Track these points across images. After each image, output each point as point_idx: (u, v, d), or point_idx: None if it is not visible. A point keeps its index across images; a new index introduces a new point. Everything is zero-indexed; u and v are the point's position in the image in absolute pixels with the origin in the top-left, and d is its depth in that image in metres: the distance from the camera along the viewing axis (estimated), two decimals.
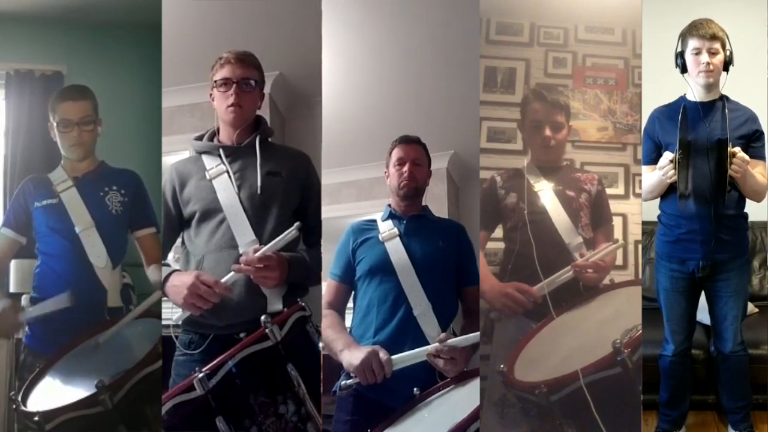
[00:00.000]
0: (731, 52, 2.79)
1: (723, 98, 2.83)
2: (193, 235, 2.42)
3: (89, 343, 2.51)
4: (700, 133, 2.75)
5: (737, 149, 2.69)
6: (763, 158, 2.81)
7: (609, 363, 2.13)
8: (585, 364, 2.15)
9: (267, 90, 2.53)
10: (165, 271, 2.37)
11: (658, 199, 2.95)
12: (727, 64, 2.79)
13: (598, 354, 2.16)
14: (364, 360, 2.28)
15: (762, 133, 2.84)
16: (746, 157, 2.70)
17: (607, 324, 2.37)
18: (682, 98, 2.89)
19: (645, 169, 2.86)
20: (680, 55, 2.85)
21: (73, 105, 2.66)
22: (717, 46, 2.76)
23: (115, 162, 2.82)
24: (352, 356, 2.32)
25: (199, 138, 2.48)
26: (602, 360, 2.14)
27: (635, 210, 2.82)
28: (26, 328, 2.70)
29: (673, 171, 2.71)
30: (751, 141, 2.80)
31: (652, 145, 2.85)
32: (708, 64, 2.75)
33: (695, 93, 2.84)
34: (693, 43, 2.78)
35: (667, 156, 2.74)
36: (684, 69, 2.86)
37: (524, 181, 2.65)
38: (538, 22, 2.97)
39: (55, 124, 2.67)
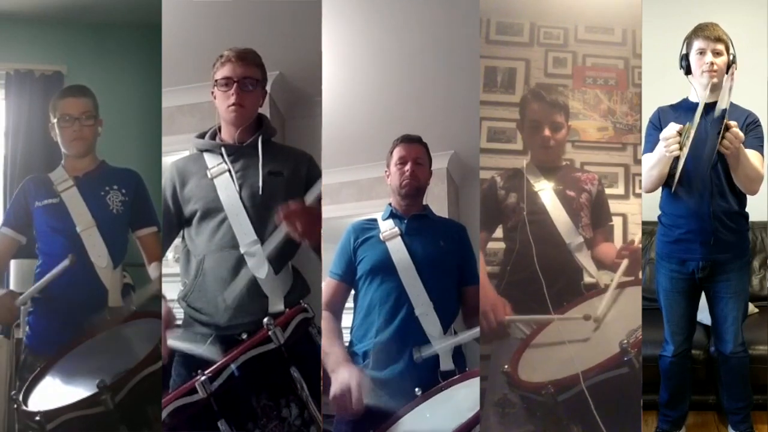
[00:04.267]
0: (734, 56, 2.80)
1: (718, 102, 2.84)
2: (193, 234, 2.41)
3: (92, 342, 2.52)
4: (700, 132, 2.74)
5: (733, 123, 2.63)
6: (757, 149, 2.79)
7: (616, 363, 2.13)
8: (590, 364, 2.15)
9: (267, 89, 2.52)
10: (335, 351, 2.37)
11: (658, 199, 2.95)
12: (729, 68, 2.80)
13: (603, 354, 2.17)
14: (338, 397, 2.27)
15: (758, 126, 2.83)
16: (741, 133, 2.63)
17: (608, 324, 2.37)
18: (685, 100, 2.90)
19: (646, 157, 2.81)
20: (685, 57, 2.86)
21: (74, 101, 2.67)
22: (721, 47, 2.77)
23: (116, 162, 2.82)
24: (333, 384, 2.30)
25: (201, 136, 2.47)
26: (609, 360, 2.14)
27: (635, 210, 2.82)
28: (27, 328, 2.69)
29: (677, 145, 2.64)
30: (747, 132, 2.79)
31: (658, 135, 2.82)
32: (712, 63, 2.76)
33: (698, 94, 2.85)
34: (698, 44, 2.80)
35: (674, 127, 2.67)
36: (688, 71, 2.86)
37: (524, 181, 2.65)
38: (538, 22, 2.97)
39: (55, 121, 2.67)
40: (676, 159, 2.69)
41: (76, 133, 2.67)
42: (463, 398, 2.21)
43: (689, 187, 2.81)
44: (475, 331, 2.34)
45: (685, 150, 2.63)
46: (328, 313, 2.51)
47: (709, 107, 2.78)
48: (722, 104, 2.61)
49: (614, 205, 2.77)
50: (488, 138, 2.86)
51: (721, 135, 2.61)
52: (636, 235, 2.64)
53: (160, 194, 2.48)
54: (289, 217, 2.25)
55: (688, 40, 2.85)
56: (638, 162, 2.83)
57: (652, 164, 2.77)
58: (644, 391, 2.27)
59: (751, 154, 2.74)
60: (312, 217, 2.27)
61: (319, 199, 2.30)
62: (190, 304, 2.36)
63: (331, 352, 2.38)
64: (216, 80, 2.40)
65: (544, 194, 2.64)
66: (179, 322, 2.39)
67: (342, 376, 2.29)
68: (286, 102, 3.03)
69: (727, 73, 2.79)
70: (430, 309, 2.45)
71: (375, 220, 2.62)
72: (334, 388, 2.27)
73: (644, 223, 2.81)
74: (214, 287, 2.34)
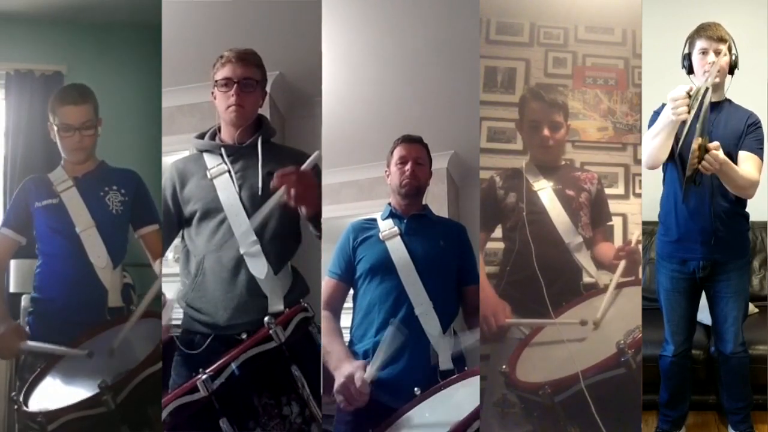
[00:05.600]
0: (737, 57, 2.80)
1: (727, 101, 2.84)
2: (193, 234, 2.41)
3: (92, 342, 2.52)
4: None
5: (714, 144, 2.59)
6: (755, 152, 2.78)
7: (613, 364, 2.14)
8: (588, 364, 2.16)
9: (267, 89, 2.52)
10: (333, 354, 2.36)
11: (658, 199, 2.95)
12: (732, 68, 2.80)
13: (601, 355, 2.17)
14: (340, 388, 2.26)
15: (759, 127, 2.81)
16: (721, 155, 2.59)
17: (606, 325, 2.38)
18: None
19: (648, 132, 2.73)
20: (687, 57, 2.85)
21: (74, 109, 2.64)
22: (723, 47, 2.76)
23: (116, 162, 2.82)
24: (337, 379, 2.30)
25: (201, 136, 2.48)
26: (606, 361, 2.15)
27: (635, 210, 2.82)
28: (27, 328, 2.70)
29: (685, 107, 2.52)
30: (747, 133, 2.78)
31: None
32: (714, 63, 2.76)
33: None
34: (700, 44, 2.79)
35: (683, 87, 2.56)
36: (690, 71, 2.86)
37: (523, 181, 2.65)
38: (538, 22, 2.98)
39: (55, 127, 2.66)
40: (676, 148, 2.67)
41: (76, 143, 2.66)
42: (462, 398, 2.21)
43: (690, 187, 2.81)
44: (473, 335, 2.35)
45: (692, 113, 2.53)
46: (327, 312, 2.51)
47: (711, 107, 2.78)
48: (707, 83, 2.55)
49: (614, 205, 2.77)
50: (488, 138, 2.86)
51: (699, 157, 2.57)
52: (634, 235, 2.64)
53: (160, 194, 2.48)
54: (284, 178, 2.21)
55: (691, 40, 2.85)
56: (638, 162, 2.83)
57: (655, 132, 2.68)
58: (644, 391, 2.27)
59: (746, 158, 2.73)
60: (308, 182, 2.23)
61: (317, 169, 2.28)
62: (190, 303, 2.37)
63: (332, 351, 2.38)
64: (216, 81, 2.40)
65: (544, 194, 2.65)
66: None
67: (345, 369, 2.29)
68: (286, 102, 3.03)
69: (730, 74, 2.79)
70: (430, 308, 2.45)
71: (374, 220, 2.62)
72: (338, 382, 2.27)
73: (644, 223, 2.81)
74: (213, 287, 2.35)
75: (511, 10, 2.95)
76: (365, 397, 2.25)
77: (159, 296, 2.46)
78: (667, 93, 2.89)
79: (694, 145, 2.54)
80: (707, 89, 2.52)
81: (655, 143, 2.68)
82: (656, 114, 2.83)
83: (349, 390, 2.25)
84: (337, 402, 2.29)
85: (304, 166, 2.24)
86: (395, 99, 3.27)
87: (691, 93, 2.54)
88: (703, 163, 2.59)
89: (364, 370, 2.28)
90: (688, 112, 2.53)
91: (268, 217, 2.31)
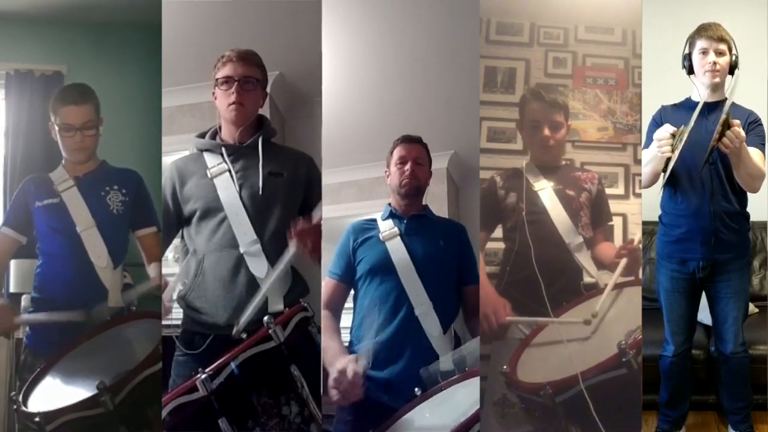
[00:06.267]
0: (737, 57, 2.80)
1: (727, 101, 2.84)
2: (193, 233, 2.42)
3: (92, 342, 2.52)
4: (701, 132, 2.74)
5: (737, 121, 2.62)
6: (758, 146, 2.79)
7: (614, 364, 2.13)
8: (588, 365, 2.15)
9: (267, 89, 2.52)
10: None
11: (659, 198, 2.95)
12: (732, 68, 2.81)
13: (601, 355, 2.17)
14: (334, 383, 2.26)
15: (760, 125, 2.83)
16: (742, 132, 2.62)
17: (607, 325, 2.37)
18: (688, 99, 2.90)
19: (645, 152, 2.81)
20: (687, 57, 2.86)
21: (75, 109, 2.63)
22: (723, 47, 2.78)
23: (116, 162, 2.82)
24: (332, 373, 2.29)
25: (201, 135, 2.48)
26: (607, 361, 2.14)
27: (635, 210, 2.82)
28: (27, 329, 2.69)
29: (668, 147, 2.64)
30: (749, 130, 2.78)
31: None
32: (714, 63, 2.77)
33: (701, 93, 2.85)
34: (701, 44, 2.80)
35: (668, 129, 2.67)
36: (691, 71, 2.86)
37: (523, 181, 2.65)
38: (538, 22, 2.98)
39: (56, 127, 2.66)
40: (669, 159, 2.69)
41: (78, 143, 2.66)
42: (462, 398, 2.21)
43: (690, 187, 2.82)
44: (476, 341, 2.35)
45: (677, 153, 2.62)
46: (327, 312, 2.52)
47: (711, 107, 2.79)
48: (730, 99, 2.60)
49: (614, 205, 2.77)
50: (488, 138, 2.86)
51: (721, 133, 2.60)
52: (636, 234, 2.63)
53: (160, 194, 2.48)
54: (301, 235, 2.27)
55: (691, 40, 2.85)
56: (638, 162, 2.83)
57: (647, 161, 2.78)
58: (644, 391, 2.27)
59: (753, 152, 2.74)
60: (319, 236, 2.30)
61: (320, 217, 2.32)
62: (190, 303, 2.37)
63: (328, 347, 2.39)
64: (217, 79, 2.41)
65: (544, 194, 2.64)
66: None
67: (340, 363, 2.29)
68: (286, 102, 3.02)
69: (730, 74, 2.80)
70: (430, 309, 2.45)
71: (374, 220, 2.62)
72: (333, 376, 2.27)
73: (644, 223, 2.81)
74: (213, 287, 2.35)
75: (511, 10, 2.95)
76: (359, 390, 2.25)
77: (158, 295, 2.46)
78: (667, 93, 2.93)
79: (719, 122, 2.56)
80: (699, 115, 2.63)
81: (647, 170, 2.78)
82: (655, 121, 2.85)
83: (342, 383, 2.25)
84: (332, 399, 2.28)
85: (315, 220, 2.29)
86: (395, 99, 3.27)
87: (675, 134, 2.63)
88: (724, 139, 2.60)
89: (356, 363, 2.28)
90: (672, 151, 2.62)
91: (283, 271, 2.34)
